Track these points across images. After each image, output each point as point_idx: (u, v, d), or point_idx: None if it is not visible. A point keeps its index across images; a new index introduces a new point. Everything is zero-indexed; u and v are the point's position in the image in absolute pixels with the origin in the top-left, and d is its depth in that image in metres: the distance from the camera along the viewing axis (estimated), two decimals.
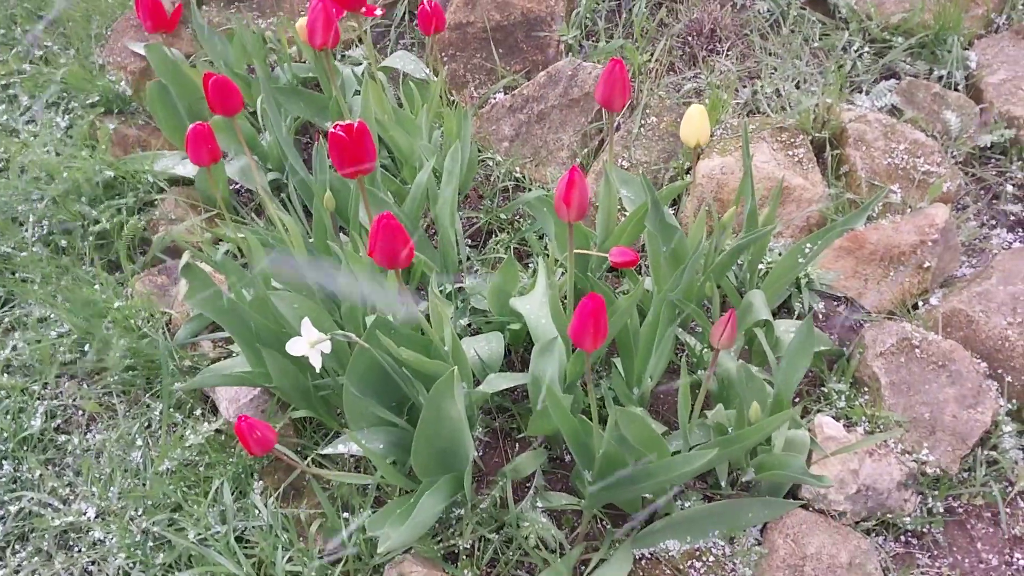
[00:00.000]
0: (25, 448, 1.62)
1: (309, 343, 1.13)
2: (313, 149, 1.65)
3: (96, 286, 1.78)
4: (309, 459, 1.53)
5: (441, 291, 1.65)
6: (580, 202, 1.15)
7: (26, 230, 1.89)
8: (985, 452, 1.50)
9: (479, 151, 1.99)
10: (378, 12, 1.68)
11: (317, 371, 1.15)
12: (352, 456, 1.52)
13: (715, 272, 1.50)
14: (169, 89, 1.91)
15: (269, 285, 1.44)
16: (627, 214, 1.61)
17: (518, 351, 1.66)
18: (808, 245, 1.52)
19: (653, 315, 1.43)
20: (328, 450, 1.42)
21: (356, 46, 2.23)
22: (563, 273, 1.59)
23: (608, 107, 1.33)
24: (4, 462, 1.61)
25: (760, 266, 1.66)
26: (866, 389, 1.55)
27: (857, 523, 1.43)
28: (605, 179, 1.52)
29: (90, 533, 1.49)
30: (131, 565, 1.44)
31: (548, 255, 1.57)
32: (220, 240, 1.81)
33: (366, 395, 1.34)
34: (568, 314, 1.41)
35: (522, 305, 1.51)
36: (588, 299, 1.04)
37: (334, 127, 1.10)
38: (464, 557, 1.39)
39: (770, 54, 2.08)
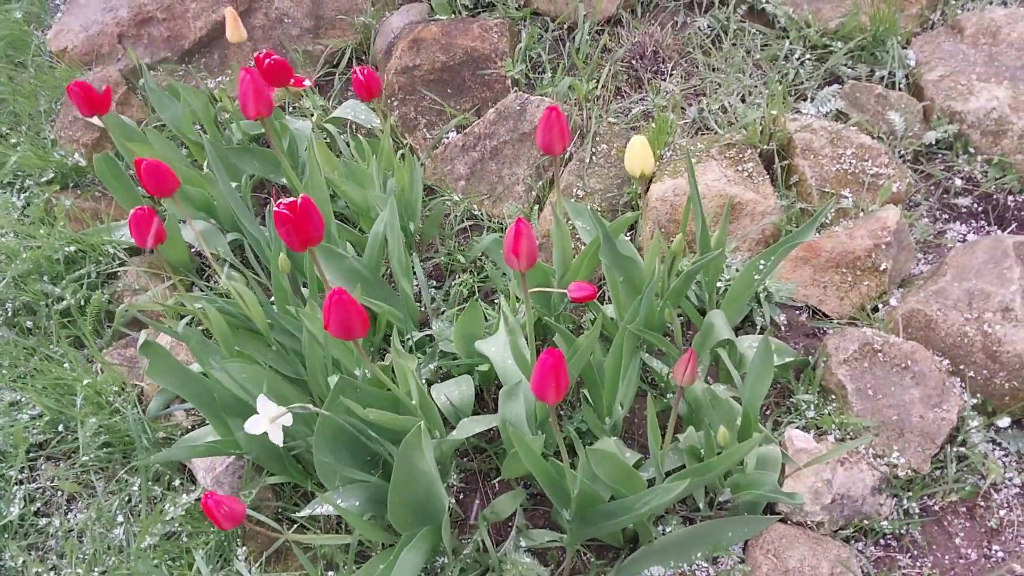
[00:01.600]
0: (6, 535, 1.62)
1: (268, 419, 1.14)
2: (267, 208, 1.66)
3: (65, 364, 1.78)
4: (293, 527, 1.53)
5: (405, 341, 1.66)
6: (529, 252, 1.17)
7: None
8: (955, 449, 1.52)
9: (435, 192, 2.01)
10: (307, 83, 1.69)
11: (279, 446, 1.16)
12: (333, 514, 1.52)
13: (671, 298, 1.51)
14: (117, 159, 1.91)
15: (232, 352, 1.45)
16: (584, 244, 1.63)
17: (490, 391, 1.67)
18: (762, 261, 1.54)
19: (616, 345, 1.45)
20: (306, 512, 1.42)
21: (306, 96, 2.24)
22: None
23: (548, 152, 1.35)
24: None
25: (719, 283, 1.69)
26: (833, 397, 1.57)
27: (836, 532, 1.45)
28: (555, 220, 1.54)
29: None
30: None
31: (510, 294, 1.59)
32: (183, 305, 1.82)
33: (337, 456, 1.34)
34: (531, 353, 1.42)
35: (487, 348, 1.52)
36: (547, 355, 1.05)
37: (278, 205, 1.11)
38: None
39: (713, 70, 2.11)
